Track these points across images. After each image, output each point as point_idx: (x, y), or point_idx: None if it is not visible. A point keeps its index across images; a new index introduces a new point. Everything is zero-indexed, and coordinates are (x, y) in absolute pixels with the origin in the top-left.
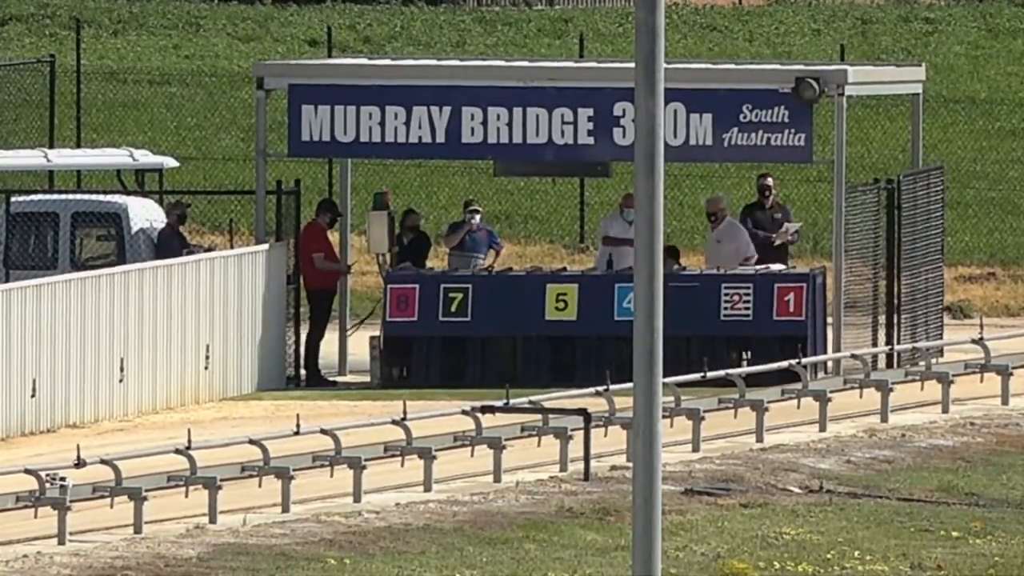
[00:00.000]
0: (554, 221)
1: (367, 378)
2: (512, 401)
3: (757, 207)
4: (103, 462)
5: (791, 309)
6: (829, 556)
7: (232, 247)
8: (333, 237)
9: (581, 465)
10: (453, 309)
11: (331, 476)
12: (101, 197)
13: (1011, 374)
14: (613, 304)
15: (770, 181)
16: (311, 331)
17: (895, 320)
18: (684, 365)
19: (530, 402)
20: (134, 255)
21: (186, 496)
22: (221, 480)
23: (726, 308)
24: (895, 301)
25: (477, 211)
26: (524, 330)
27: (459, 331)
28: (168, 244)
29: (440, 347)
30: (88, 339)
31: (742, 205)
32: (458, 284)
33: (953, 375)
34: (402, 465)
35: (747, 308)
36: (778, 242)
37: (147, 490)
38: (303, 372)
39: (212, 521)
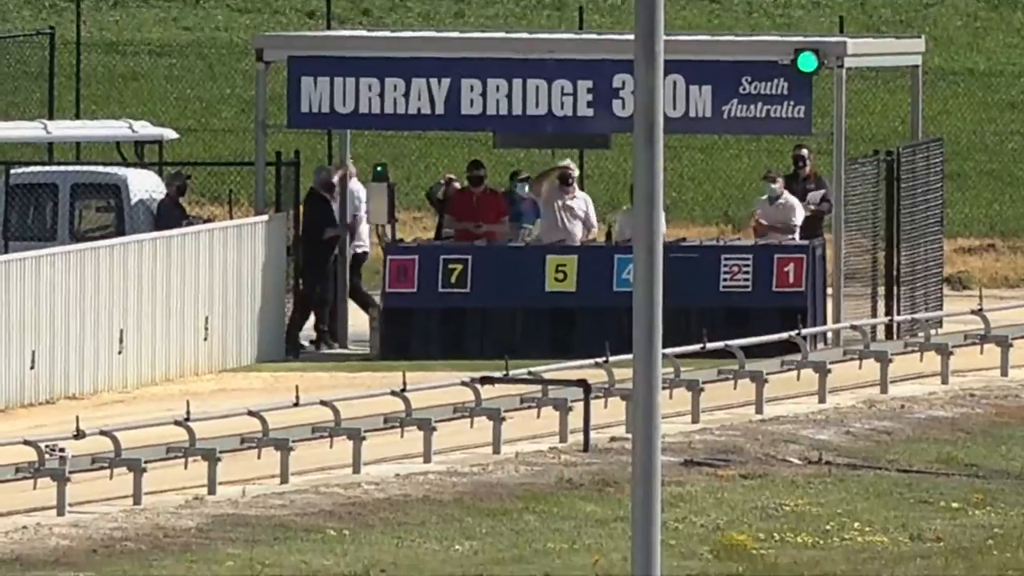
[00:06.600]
0: None
1: (367, 349)
2: (511, 372)
3: (791, 178)
4: (102, 433)
5: (791, 280)
6: (828, 527)
7: (232, 218)
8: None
9: (581, 436)
10: (453, 280)
11: (330, 447)
12: (100, 169)
13: (1011, 345)
14: (612, 275)
15: (804, 152)
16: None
17: (895, 291)
18: (683, 336)
19: (529, 373)
20: (133, 227)
21: (185, 467)
22: (220, 451)
23: (725, 279)
24: (895, 272)
25: (526, 180)
26: (524, 302)
27: (459, 303)
28: (168, 215)
29: (439, 319)
30: (87, 311)
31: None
32: (457, 255)
33: (952, 346)
34: (401, 436)
35: (746, 279)
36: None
37: (146, 461)
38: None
39: (211, 492)
